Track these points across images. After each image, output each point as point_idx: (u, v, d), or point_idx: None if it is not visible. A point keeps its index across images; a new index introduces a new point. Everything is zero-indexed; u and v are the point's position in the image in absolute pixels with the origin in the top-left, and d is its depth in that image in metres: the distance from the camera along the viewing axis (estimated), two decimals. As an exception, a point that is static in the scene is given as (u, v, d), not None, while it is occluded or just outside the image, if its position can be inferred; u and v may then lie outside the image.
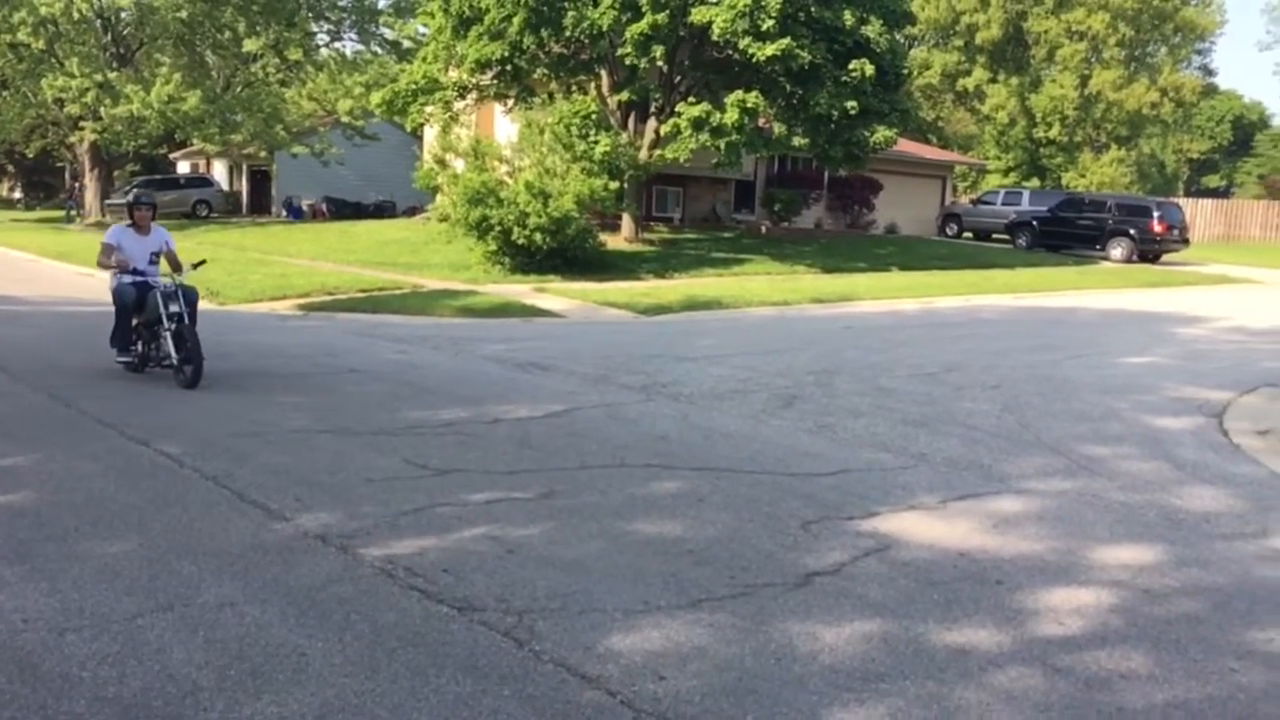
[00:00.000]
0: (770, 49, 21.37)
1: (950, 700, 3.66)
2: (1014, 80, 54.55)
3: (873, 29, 22.82)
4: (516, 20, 22.41)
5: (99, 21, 36.04)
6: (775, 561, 5.04)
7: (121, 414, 7.89)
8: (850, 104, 22.53)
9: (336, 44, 41.57)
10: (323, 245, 26.38)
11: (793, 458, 7.19)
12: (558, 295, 18.67)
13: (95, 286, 20.13)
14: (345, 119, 37.61)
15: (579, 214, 21.34)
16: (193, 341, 8.93)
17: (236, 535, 5.20)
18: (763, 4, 21.12)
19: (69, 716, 3.41)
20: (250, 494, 5.87)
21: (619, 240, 26.08)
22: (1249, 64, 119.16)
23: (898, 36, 26.38)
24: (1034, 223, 33.98)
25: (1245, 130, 78.44)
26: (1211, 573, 5.11)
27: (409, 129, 28.71)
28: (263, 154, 40.59)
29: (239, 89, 38.98)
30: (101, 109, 34.39)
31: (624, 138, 24.43)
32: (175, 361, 9.09)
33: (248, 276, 18.99)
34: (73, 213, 42.81)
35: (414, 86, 25.78)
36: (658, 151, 24.71)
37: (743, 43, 21.71)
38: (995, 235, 35.72)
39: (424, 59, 26.28)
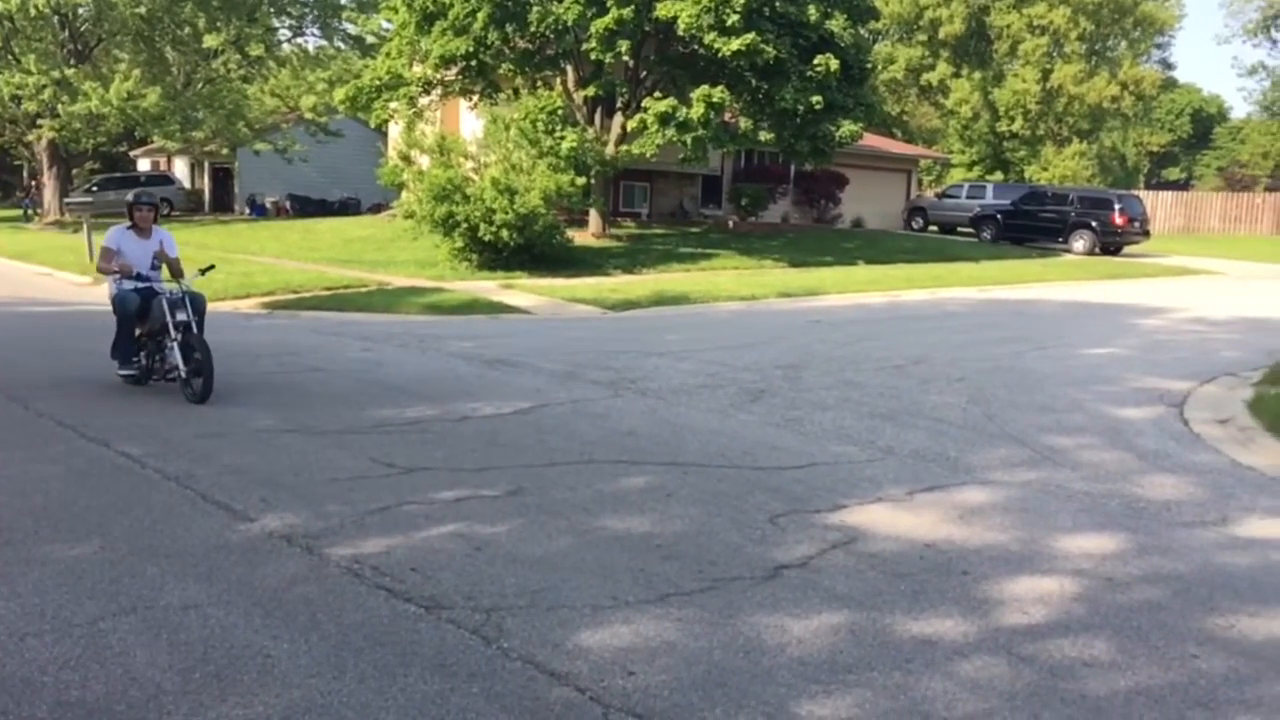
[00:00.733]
0: (735, 44, 21.43)
1: (917, 690, 3.68)
2: (977, 75, 54.97)
3: (837, 24, 22.94)
4: (481, 15, 22.32)
5: (56, 18, 35.48)
6: (743, 555, 5.05)
7: (81, 415, 7.79)
8: (815, 99, 22.63)
9: (299, 39, 41.29)
10: (287, 243, 26.15)
11: (760, 452, 7.21)
12: (525, 292, 18.62)
13: (55, 287, 19.84)
14: (308, 115, 37.30)
15: (546, 210, 21.29)
16: (203, 352, 8.27)
17: (200, 537, 5.14)
18: (728, -1, 21.17)
19: (29, 723, 3.35)
20: (214, 495, 5.81)
21: (586, 236, 26.06)
22: (1207, 58, 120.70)
23: (862, 31, 26.52)
24: (998, 216, 34.30)
25: (1204, 123, 79.49)
26: (1173, 560, 5.18)
27: (373, 125, 28.53)
28: (225, 151, 40.18)
29: (200, 85, 38.56)
30: (59, 106, 33.89)
31: (590, 133, 24.40)
32: (183, 374, 8.36)
33: (210, 275, 18.76)
34: (30, 212, 42.18)
35: (378, 82, 25.62)
36: (624, 147, 24.69)
37: (708, 37, 21.74)
38: (960, 229, 36.02)
39: (388, 54, 26.12)
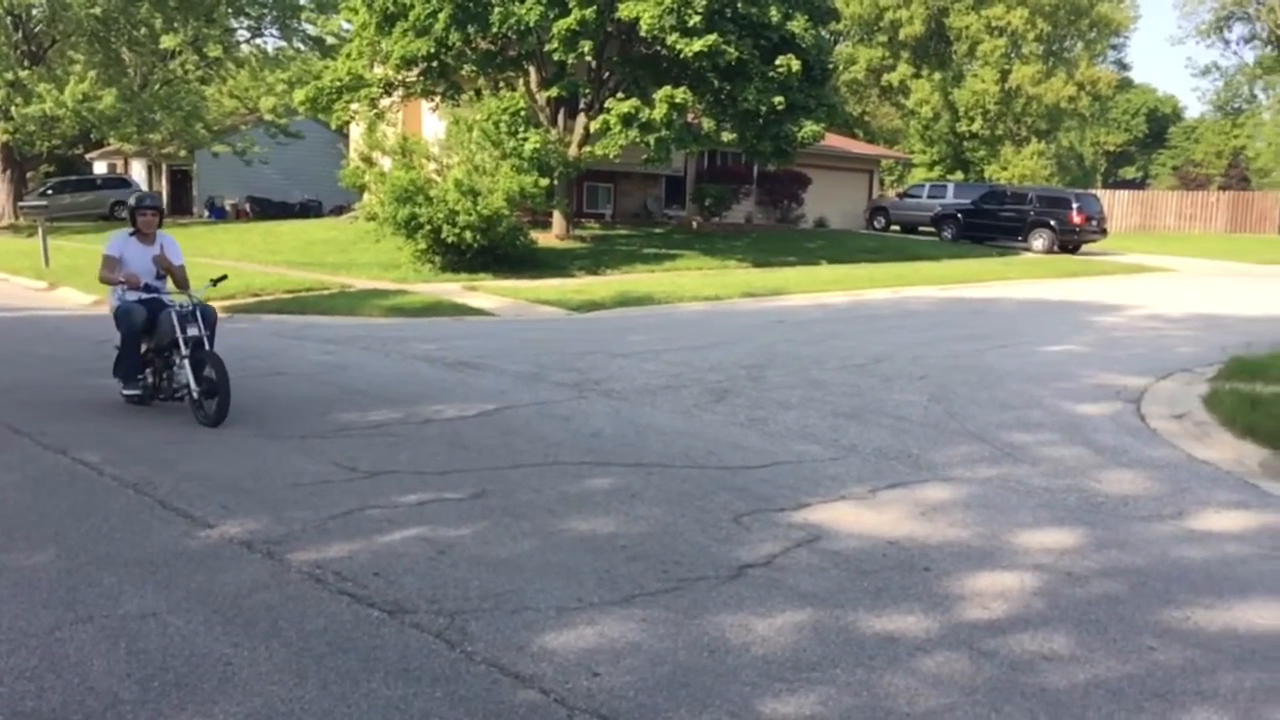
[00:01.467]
0: (697, 45, 21.48)
1: (880, 687, 3.71)
2: (937, 75, 55.47)
3: (798, 25, 23.05)
4: (442, 16, 22.21)
5: (9, 19, 34.90)
6: (708, 555, 5.06)
7: (38, 422, 7.66)
8: (778, 99, 22.73)
9: (257, 40, 40.88)
10: (247, 246, 25.87)
11: (725, 451, 7.23)
12: (489, 294, 18.56)
13: (10, 291, 19.48)
14: (268, 117, 36.96)
15: (509, 211, 21.22)
16: (217, 370, 7.57)
17: (159, 544, 5.08)
18: (690, 0, 21.21)
19: (-17, 736, 3.30)
20: (173, 501, 5.74)
21: (550, 238, 26.00)
22: (1162, 58, 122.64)
23: (823, 32, 26.65)
24: (958, 215, 34.67)
25: (1159, 123, 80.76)
26: (1130, 554, 5.25)
27: (334, 126, 28.29)
28: (183, 153, 39.68)
29: (157, 87, 38.06)
30: (13, 109, 33.33)
31: (554, 134, 24.36)
32: (195, 394, 7.65)
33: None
34: (-16, 215, 41.41)
35: (338, 83, 25.43)
36: (588, 148, 24.68)
37: (670, 38, 21.78)
38: (922, 228, 36.35)
39: (348, 55, 25.94)
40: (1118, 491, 6.44)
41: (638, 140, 22.78)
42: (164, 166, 43.80)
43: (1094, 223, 32.35)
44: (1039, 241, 31.78)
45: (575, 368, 10.59)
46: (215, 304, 16.47)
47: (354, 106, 25.72)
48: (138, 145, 37.77)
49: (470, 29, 22.67)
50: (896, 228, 37.64)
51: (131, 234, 8.24)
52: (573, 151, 24.74)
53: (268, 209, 38.93)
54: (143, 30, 35.94)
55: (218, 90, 40.68)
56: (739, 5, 22.26)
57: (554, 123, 25.39)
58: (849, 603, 4.49)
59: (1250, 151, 71.07)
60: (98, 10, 33.67)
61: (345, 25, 31.59)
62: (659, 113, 22.15)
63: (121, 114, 33.73)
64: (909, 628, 4.24)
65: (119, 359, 8.17)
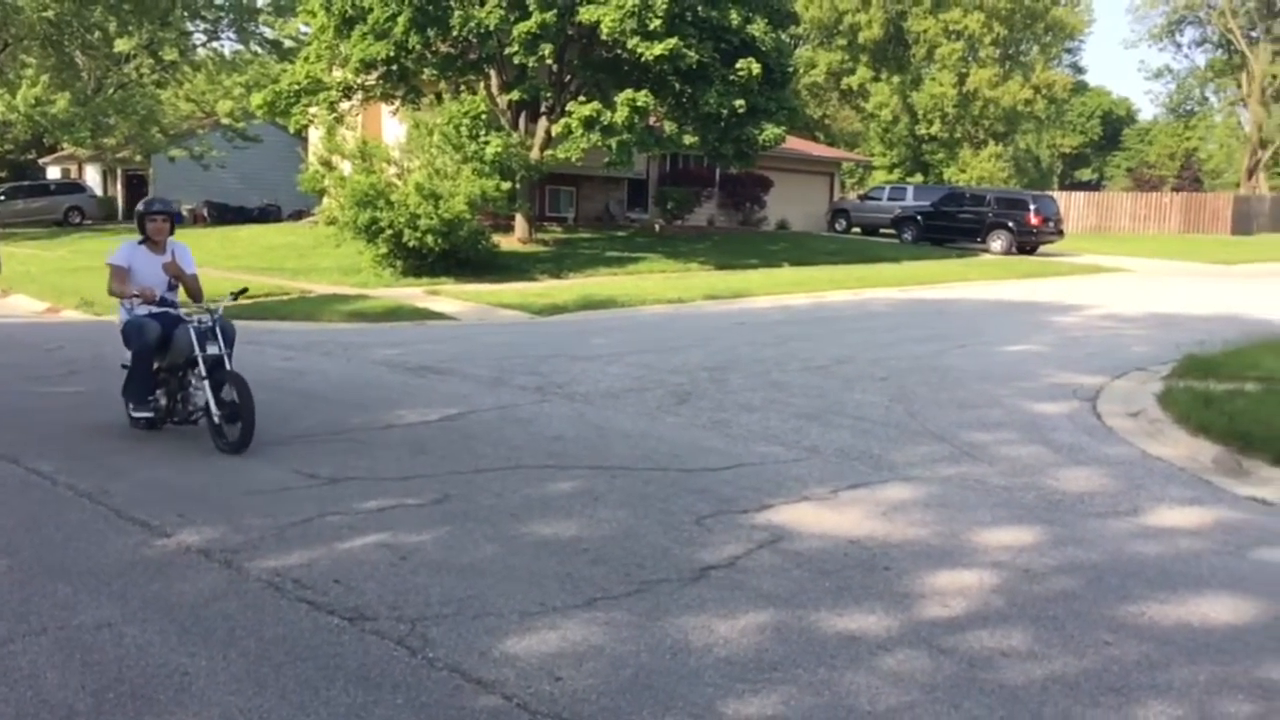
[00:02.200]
0: (658, 48, 21.52)
1: (841, 686, 3.73)
2: (896, 79, 56.01)
3: (758, 28, 23.16)
4: (401, 20, 22.10)
5: (-42, 22, 34.34)
6: (670, 557, 5.07)
7: (-12, 432, 7.52)
8: (739, 102, 22.83)
9: (214, 43, 40.47)
10: (204, 251, 25.44)
11: (687, 454, 7.24)
12: (451, 298, 18.47)
13: (-41, 299, 19.12)
14: (225, 121, 36.61)
15: (471, 215, 21.15)
16: (240, 392, 6.91)
17: (114, 554, 5.00)
18: (650, 3, 21.26)
19: (-68, 752, 3.23)
20: (128, 510, 5.66)
21: (513, 241, 25.94)
22: (1116, 61, 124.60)
23: (783, 36, 26.82)
24: (918, 217, 34.99)
25: (1114, 125, 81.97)
26: (1087, 550, 5.32)
27: (292, 130, 28.06)
28: (138, 158, 39.18)
29: (111, 91, 37.55)
30: (-37, 113, 32.78)
31: (515, 138, 24.30)
32: (216, 418, 6.98)
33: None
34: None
35: (296, 87, 25.22)
36: (549, 151, 24.66)
37: (631, 42, 21.81)
38: (882, 230, 36.63)
39: (306, 59, 25.73)
40: (1075, 489, 6.52)
41: (599, 143, 22.79)
42: (119, 171, 43.21)
43: (1051, 224, 32.79)
44: (997, 243, 32.15)
45: (538, 371, 10.57)
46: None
47: (313, 110, 25.52)
48: (92, 150, 37.24)
49: (430, 32, 22.58)
50: (857, 230, 37.91)
51: (140, 242, 7.51)
52: (534, 155, 24.71)
53: (226, 214, 38.50)
54: (96, 34, 35.48)
55: (174, 94, 40.22)
56: (699, 9, 22.34)
57: (515, 126, 25.34)
58: (811, 603, 4.51)
59: (1202, 153, 72.44)
60: (50, 14, 33.19)
61: (303, 28, 31.39)
62: (620, 116, 22.16)
63: (75, 118, 33.27)
64: (870, 627, 4.27)
65: (129, 379, 7.40)
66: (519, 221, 26.85)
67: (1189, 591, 4.74)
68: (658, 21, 21.39)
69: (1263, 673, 3.91)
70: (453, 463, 6.84)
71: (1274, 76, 56.95)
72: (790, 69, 27.29)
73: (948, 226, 33.86)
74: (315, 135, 26.91)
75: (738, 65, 22.78)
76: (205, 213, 38.89)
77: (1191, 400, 8.59)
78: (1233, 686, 3.78)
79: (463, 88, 25.79)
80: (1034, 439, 7.89)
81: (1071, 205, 47.63)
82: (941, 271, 25.70)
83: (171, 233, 7.62)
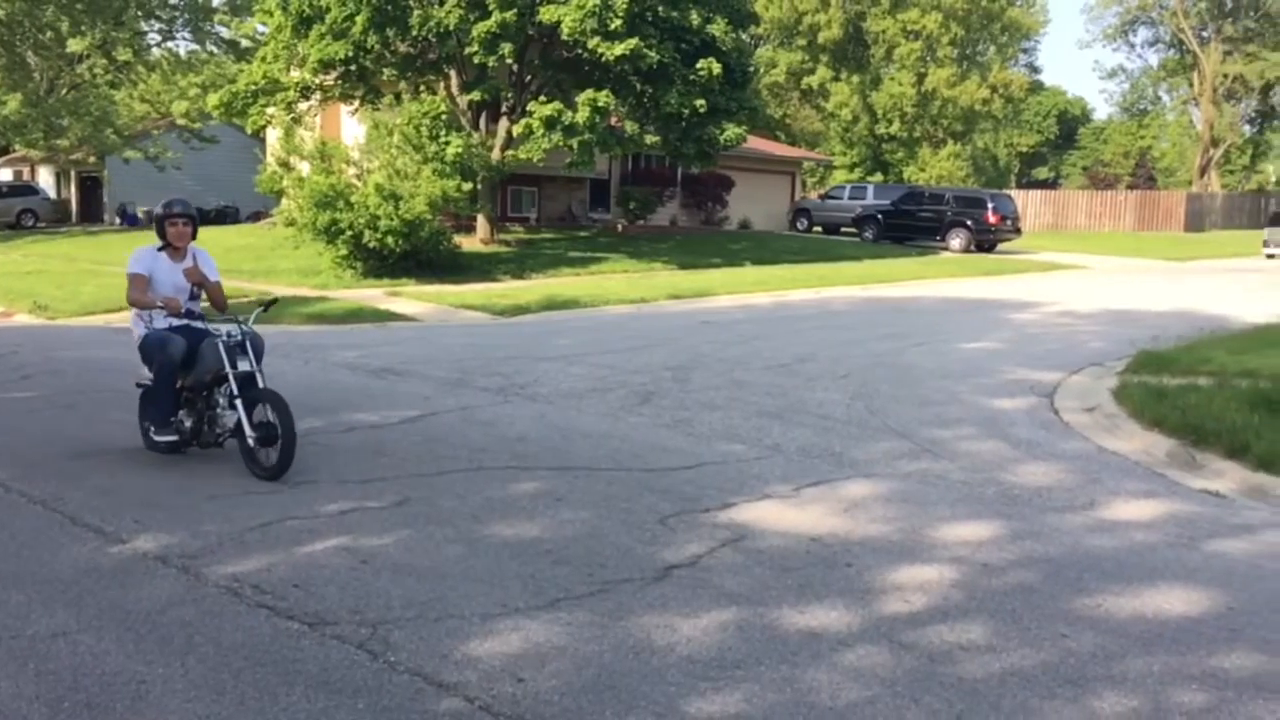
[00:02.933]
0: (619, 48, 21.52)
1: (803, 682, 3.75)
2: (855, 78, 56.36)
3: (718, 28, 23.23)
4: (360, 19, 21.94)
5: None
6: (633, 557, 5.07)
7: (-62, 439, 7.38)
8: (699, 102, 22.88)
9: (169, 43, 39.93)
10: (162, 254, 25.21)
11: (650, 453, 7.25)
12: (412, 299, 18.37)
13: (-92, 303, 18.72)
14: (181, 121, 36.16)
15: (432, 216, 21.04)
16: (279, 412, 6.27)
17: (69, 561, 4.93)
18: (610, 4, 21.25)
19: (-120, 766, 3.17)
20: (84, 517, 5.57)
21: (474, 242, 25.83)
22: (1071, 62, 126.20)
23: (743, 36, 26.94)
24: (879, 216, 35.28)
25: (1070, 124, 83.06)
26: (1044, 544, 5.39)
27: (250, 131, 27.75)
28: (92, 159, 38.60)
29: (64, 91, 36.99)
30: (-89, 114, 32.14)
31: (476, 138, 24.21)
32: (251, 441, 6.36)
33: (79, 289, 18.05)
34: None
35: (253, 87, 24.98)
36: (510, 152, 24.58)
37: (592, 42, 21.79)
38: (843, 229, 36.87)
39: (263, 59, 25.48)
40: (1032, 483, 6.60)
41: (561, 143, 22.76)
42: (73, 173, 42.55)
43: (1009, 222, 33.17)
44: (956, 241, 32.47)
45: (500, 372, 10.53)
46: (116, 314, 16.11)
47: (270, 111, 25.27)
48: (45, 151, 36.63)
49: (389, 32, 22.44)
50: (819, 229, 38.13)
51: (160, 248, 6.90)
52: (495, 155, 24.62)
53: (183, 216, 37.96)
54: (49, 34, 34.89)
55: (128, 95, 39.66)
56: (660, 9, 22.36)
57: (476, 126, 25.24)
58: (773, 600, 4.53)
59: (1156, 151, 73.56)
60: (1, 13, 32.58)
61: (260, 28, 31.04)
62: (582, 116, 22.14)
63: (27, 119, 32.74)
64: (831, 623, 4.30)
65: (148, 398, 6.82)
66: (481, 222, 26.74)
67: (1143, 584, 4.81)
68: (618, 21, 21.39)
69: (1215, 662, 3.98)
70: (414, 465, 6.80)
71: (1225, 76, 57.97)
72: (751, 69, 27.43)
73: (908, 225, 34.17)
74: (273, 136, 26.64)
75: (698, 65, 22.82)
76: (161, 215, 38.35)
77: (1146, 395, 8.73)
78: (1186, 677, 3.85)
79: (422, 88, 25.64)
80: (993, 435, 7.98)
81: (1029, 203, 48.23)
82: (901, 270, 25.91)
83: (194, 237, 7.01)
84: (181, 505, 5.83)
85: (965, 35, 55.98)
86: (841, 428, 8.12)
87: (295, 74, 25.02)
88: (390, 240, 20.06)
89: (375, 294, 18.82)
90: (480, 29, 21.92)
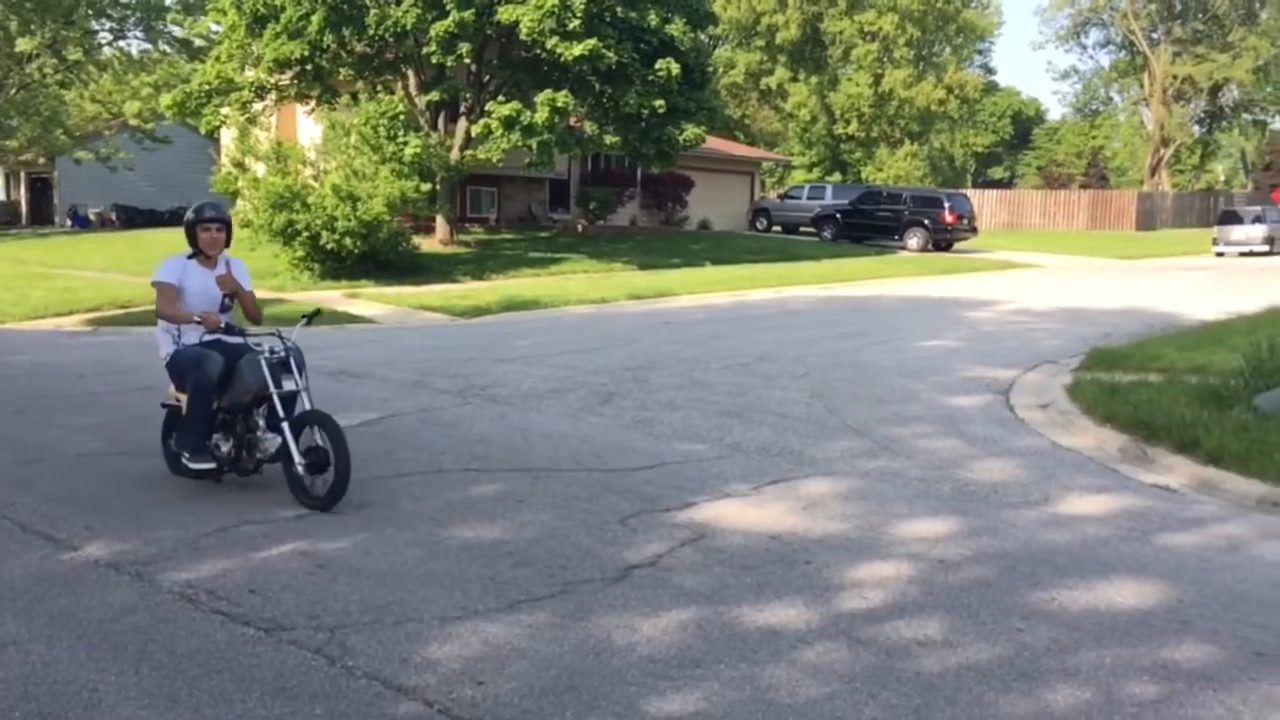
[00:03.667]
0: (578, 49, 21.51)
1: (762, 680, 3.77)
2: (813, 79, 56.72)
3: (676, 29, 23.29)
4: (315, 19, 21.75)
5: None
6: (594, 557, 5.07)
7: (-118, 446, 7.22)
8: (658, 103, 22.93)
9: (121, 43, 39.30)
10: (113, 256, 24.86)
11: (611, 454, 7.25)
12: (371, 301, 18.23)
13: None
14: (134, 122, 35.62)
15: (390, 217, 20.91)
16: (331, 435, 5.72)
17: (19, 569, 4.84)
18: (569, 4, 21.23)
19: None
20: (34, 524, 5.47)
21: (434, 243, 25.70)
22: (1025, 63, 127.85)
23: (701, 36, 27.02)
24: (837, 216, 35.52)
25: (1024, 125, 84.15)
26: (1000, 540, 5.45)
27: (204, 132, 27.39)
28: (42, 160, 37.93)
29: (13, 91, 36.28)
30: None
31: (434, 138, 24.09)
32: (300, 468, 5.79)
33: (29, 292, 17.70)
34: None
35: (207, 87, 24.69)
36: (469, 152, 24.49)
37: (550, 42, 21.77)
38: (802, 228, 37.11)
39: (217, 58, 25.20)
40: (988, 480, 6.68)
41: (520, 144, 22.71)
42: (22, 174, 41.76)
43: (965, 221, 33.56)
44: (914, 240, 32.79)
45: (460, 374, 10.48)
46: (80, 317, 15.88)
47: (225, 111, 24.99)
48: (-8, 152, 35.93)
49: (345, 31, 22.27)
50: (778, 228, 38.34)
51: (191, 256, 6.31)
52: (454, 155, 24.51)
53: (135, 217, 37.47)
54: (-4, 32, 34.24)
55: (79, 95, 38.99)
56: (618, 9, 22.38)
57: (434, 127, 25.11)
58: (733, 599, 4.55)
59: (1108, 151, 74.74)
60: (-55, 11, 31.97)
61: (214, 27, 30.63)
62: (541, 116, 22.11)
63: (-26, 119, 32.07)
64: (790, 620, 4.33)
65: (181, 422, 6.19)
66: (440, 223, 26.61)
67: (1097, 577, 4.88)
68: (577, 22, 21.38)
69: (1166, 654, 4.05)
70: (373, 467, 6.74)
71: (1174, 77, 58.97)
72: (709, 69, 27.55)
73: (866, 224, 34.45)
74: (228, 136, 26.33)
75: (657, 65, 22.87)
76: (114, 216, 37.83)
77: (1098, 392, 8.87)
78: (1137, 669, 3.91)
79: (380, 88, 25.47)
80: (950, 432, 8.07)
81: (985, 203, 48.81)
82: (860, 269, 26.11)
83: (228, 243, 6.46)
84: (135, 511, 5.75)
85: (921, 36, 56.54)
86: (801, 426, 8.17)
87: (250, 73, 24.75)
88: (348, 241, 19.92)
89: (333, 295, 18.66)
90: (438, 29, 21.81)
